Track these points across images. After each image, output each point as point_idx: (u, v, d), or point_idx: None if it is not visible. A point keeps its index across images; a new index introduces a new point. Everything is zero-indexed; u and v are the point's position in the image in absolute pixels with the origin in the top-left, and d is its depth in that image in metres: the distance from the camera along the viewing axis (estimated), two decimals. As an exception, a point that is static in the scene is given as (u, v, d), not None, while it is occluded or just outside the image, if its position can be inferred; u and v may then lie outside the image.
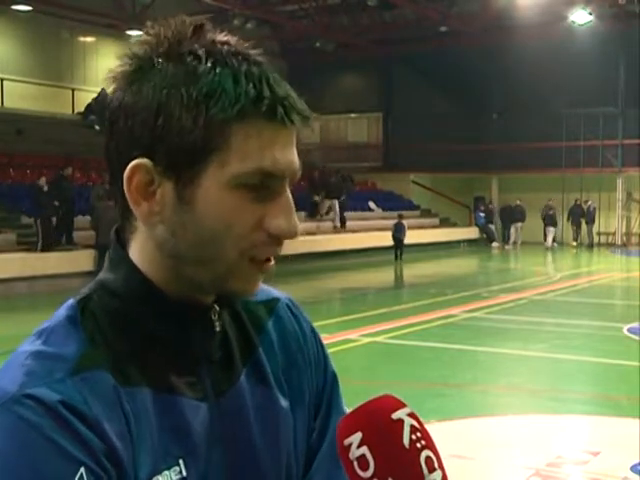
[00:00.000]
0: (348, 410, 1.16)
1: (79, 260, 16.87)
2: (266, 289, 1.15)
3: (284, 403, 1.07)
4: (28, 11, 24.96)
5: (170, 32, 0.95)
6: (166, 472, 0.92)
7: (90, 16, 24.98)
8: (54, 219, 17.58)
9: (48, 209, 17.30)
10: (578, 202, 29.98)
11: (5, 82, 25.05)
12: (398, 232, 23.95)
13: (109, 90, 0.96)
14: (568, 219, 30.17)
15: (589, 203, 29.98)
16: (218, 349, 1.02)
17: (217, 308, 1.01)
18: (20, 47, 26.01)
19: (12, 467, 0.84)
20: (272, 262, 0.96)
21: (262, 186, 0.92)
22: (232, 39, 0.96)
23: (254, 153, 0.91)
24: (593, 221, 29.96)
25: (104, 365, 0.91)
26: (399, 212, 25.35)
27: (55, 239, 17.62)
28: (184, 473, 0.93)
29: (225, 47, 0.94)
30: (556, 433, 6.77)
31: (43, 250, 17.02)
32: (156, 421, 0.93)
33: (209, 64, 0.91)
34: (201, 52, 0.92)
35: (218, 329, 1.01)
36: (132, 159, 0.92)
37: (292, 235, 0.94)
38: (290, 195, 0.96)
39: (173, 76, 0.91)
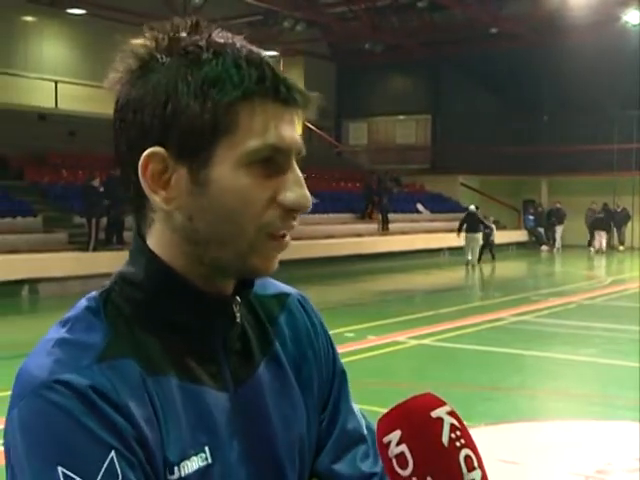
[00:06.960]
0: (355, 406, 1.17)
1: (130, 259, 17.02)
2: (277, 284, 1.17)
3: (298, 393, 1.10)
4: (82, 15, 25.38)
5: (168, 31, 0.99)
6: (194, 457, 0.95)
7: (142, 18, 25.25)
8: (105, 219, 17.82)
9: (101, 209, 17.55)
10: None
11: (59, 84, 25.46)
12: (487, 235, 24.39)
13: (115, 89, 1.01)
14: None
15: (620, 207, 29.37)
16: (237, 340, 1.04)
17: (238, 299, 1.04)
18: (73, 50, 26.41)
19: (44, 451, 0.85)
20: (288, 238, 0.99)
21: (271, 162, 0.95)
22: (229, 33, 0.99)
23: (261, 131, 0.94)
24: (622, 225, 29.40)
25: (129, 354, 0.93)
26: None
27: (106, 239, 17.86)
28: (209, 460, 0.96)
29: (223, 38, 0.98)
30: (605, 439, 6.67)
31: (95, 250, 17.25)
32: (182, 409, 0.95)
33: (210, 53, 0.95)
34: (202, 43, 0.96)
35: (238, 320, 1.04)
36: (144, 150, 0.95)
37: (304, 206, 0.97)
38: (299, 170, 0.98)
39: (177, 67, 0.95)
